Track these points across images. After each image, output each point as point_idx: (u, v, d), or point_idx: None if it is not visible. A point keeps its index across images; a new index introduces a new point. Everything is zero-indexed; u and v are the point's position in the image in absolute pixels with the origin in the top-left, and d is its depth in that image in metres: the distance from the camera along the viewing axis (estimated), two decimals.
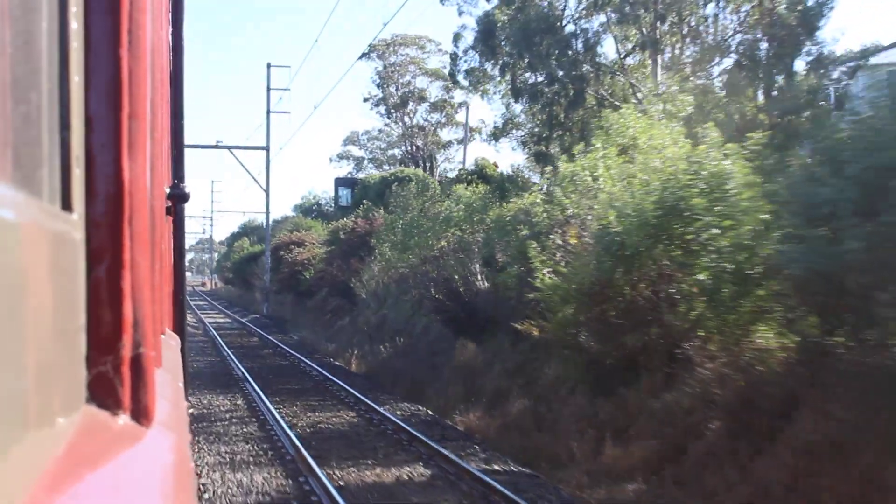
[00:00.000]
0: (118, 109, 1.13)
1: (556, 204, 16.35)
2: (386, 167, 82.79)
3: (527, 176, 36.72)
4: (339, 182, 77.07)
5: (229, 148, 45.91)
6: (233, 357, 24.24)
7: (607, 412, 14.71)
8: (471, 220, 25.09)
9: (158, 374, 1.49)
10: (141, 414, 1.19)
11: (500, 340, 20.37)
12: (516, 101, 29.43)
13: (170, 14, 3.27)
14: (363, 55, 75.08)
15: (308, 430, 13.87)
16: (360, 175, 77.39)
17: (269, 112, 45.88)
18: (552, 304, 15.34)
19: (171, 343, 2.71)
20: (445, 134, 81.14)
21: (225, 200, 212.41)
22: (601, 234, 13.89)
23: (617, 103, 28.04)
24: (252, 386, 18.42)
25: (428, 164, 68.92)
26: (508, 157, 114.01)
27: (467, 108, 51.22)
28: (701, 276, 12.11)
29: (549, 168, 22.67)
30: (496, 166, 44.26)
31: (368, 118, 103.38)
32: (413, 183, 37.67)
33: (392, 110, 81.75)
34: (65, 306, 0.94)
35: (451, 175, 50.81)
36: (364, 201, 39.94)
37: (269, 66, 45.67)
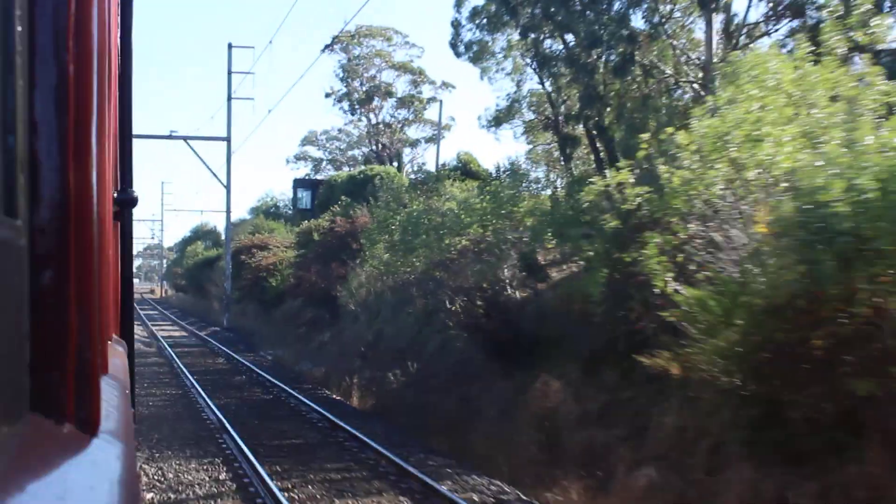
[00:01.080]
0: (64, 114, 1.11)
1: (685, 179, 10.70)
2: (346, 168, 78.90)
3: (526, 169, 30.93)
4: (298, 183, 72.21)
5: (185, 138, 39.57)
6: (199, 389, 18.21)
7: (810, 496, 9.05)
8: (498, 213, 19.40)
9: (105, 381, 1.48)
10: (86, 423, 1.16)
11: (565, 369, 14.66)
12: (541, 70, 23.79)
13: (118, 16, 3.12)
14: (326, 47, 69.52)
15: None
16: (319, 177, 73.02)
17: (230, 97, 39.74)
18: (703, 326, 9.68)
19: (118, 349, 2.65)
20: (413, 132, 76.03)
21: (177, 202, 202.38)
22: (812, 215, 8.26)
23: (668, 71, 22.75)
24: (235, 441, 12.48)
25: (395, 164, 64.31)
26: (507, 148, 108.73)
27: (440, 103, 46.56)
28: None
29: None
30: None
31: (331, 115, 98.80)
32: (385, 180, 33.30)
33: (356, 106, 77.04)
34: (8, 313, 0.93)
35: (416, 176, 46.01)
36: (342, 198, 34.10)
37: (230, 46, 39.52)
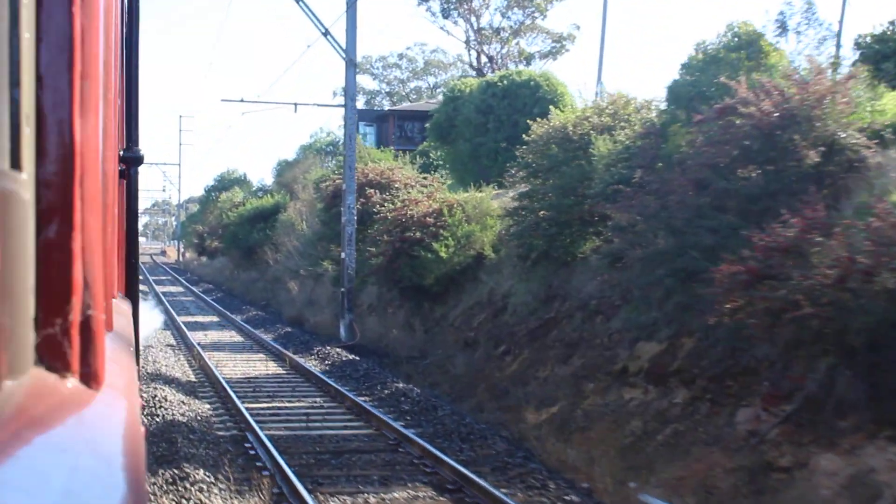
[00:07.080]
0: (70, 68, 1.12)
1: None
2: (406, 103, 63.80)
3: None
4: (360, 115, 51.44)
5: None
6: None
7: None
8: None
9: (109, 337, 1.54)
10: (90, 377, 1.19)
11: None
12: None
13: None
14: None
15: None
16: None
17: None
18: None
19: (122, 307, 2.73)
20: (525, 45, 57.51)
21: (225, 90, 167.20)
22: None
23: None
24: None
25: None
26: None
27: None
28: None
29: None
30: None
31: (417, 19, 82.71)
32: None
33: (451, 6, 56.46)
34: (13, 267, 0.97)
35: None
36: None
37: None
